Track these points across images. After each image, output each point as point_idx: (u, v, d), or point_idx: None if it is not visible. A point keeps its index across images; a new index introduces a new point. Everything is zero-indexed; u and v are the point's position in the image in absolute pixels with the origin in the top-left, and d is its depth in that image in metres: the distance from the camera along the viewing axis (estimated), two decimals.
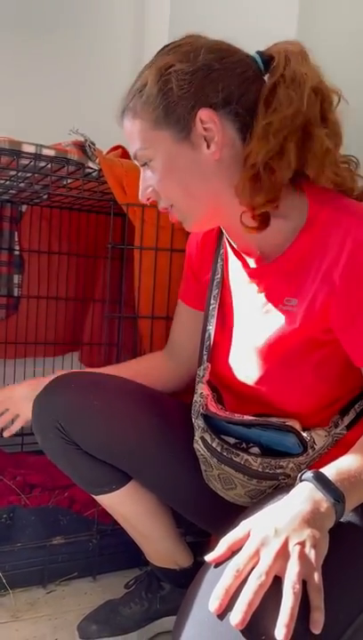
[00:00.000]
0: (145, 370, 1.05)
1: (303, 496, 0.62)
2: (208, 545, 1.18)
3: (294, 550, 0.56)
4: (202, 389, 0.87)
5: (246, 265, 0.85)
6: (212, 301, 0.90)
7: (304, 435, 0.79)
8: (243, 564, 0.57)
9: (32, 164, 1.10)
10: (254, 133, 0.73)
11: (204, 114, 0.74)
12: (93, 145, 1.12)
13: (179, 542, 1.07)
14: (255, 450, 0.81)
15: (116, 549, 1.22)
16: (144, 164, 0.80)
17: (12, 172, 1.17)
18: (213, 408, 0.85)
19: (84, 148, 1.12)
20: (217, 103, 0.74)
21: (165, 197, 0.80)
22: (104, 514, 1.11)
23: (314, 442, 0.79)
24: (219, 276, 0.89)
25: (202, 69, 0.73)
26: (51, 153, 1.09)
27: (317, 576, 0.55)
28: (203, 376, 0.88)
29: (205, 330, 0.90)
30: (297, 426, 0.80)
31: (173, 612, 1.06)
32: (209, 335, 0.89)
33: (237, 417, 0.83)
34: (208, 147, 0.75)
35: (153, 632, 1.06)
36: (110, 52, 1.72)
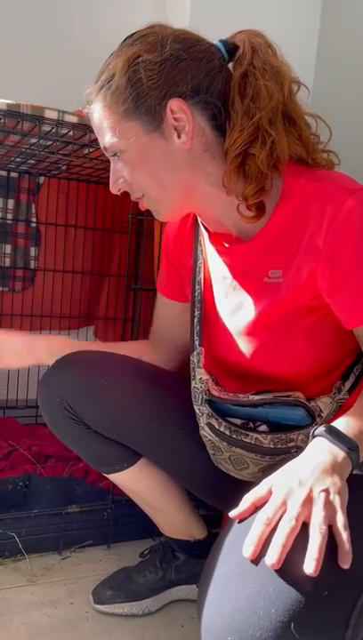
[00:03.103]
0: (138, 354, 1.04)
1: (320, 449, 0.64)
2: (223, 518, 1.18)
3: (319, 497, 0.58)
4: (201, 374, 0.86)
5: (223, 247, 0.85)
6: (196, 286, 0.90)
7: (311, 404, 0.80)
8: (272, 512, 0.59)
9: (54, 130, 1.08)
10: (235, 125, 0.74)
11: (174, 104, 0.74)
12: None
13: (192, 515, 1.07)
14: (264, 427, 0.81)
15: (131, 519, 1.23)
16: (114, 155, 0.80)
17: (33, 140, 1.16)
18: (217, 392, 0.85)
19: None
20: (186, 93, 0.74)
21: (136, 188, 0.81)
22: None
23: (321, 410, 0.80)
24: (200, 261, 0.90)
25: (170, 59, 0.73)
26: (73, 119, 1.07)
27: (342, 518, 0.58)
28: (198, 361, 0.87)
29: (193, 316, 0.90)
30: (302, 397, 0.81)
31: (187, 581, 1.07)
32: (199, 320, 0.89)
33: (243, 398, 0.83)
34: (179, 137, 0.75)
35: (167, 600, 1.07)
36: (134, 18, 1.69)
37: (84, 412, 0.91)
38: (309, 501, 0.58)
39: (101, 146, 0.81)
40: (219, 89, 0.75)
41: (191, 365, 0.88)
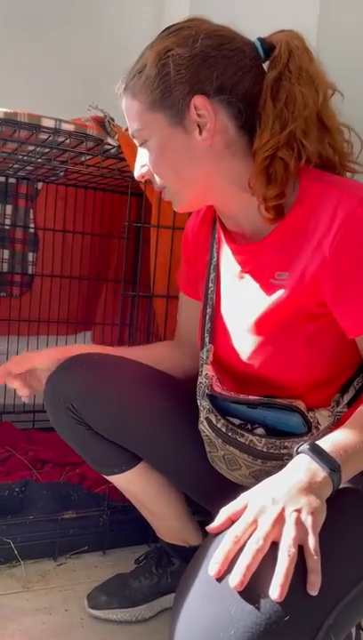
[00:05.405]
0: (157, 357, 1.04)
1: (300, 467, 0.63)
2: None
3: (290, 516, 0.57)
4: (207, 370, 0.87)
5: (236, 244, 0.86)
6: (210, 284, 0.90)
7: (309, 415, 0.79)
8: (241, 530, 0.58)
9: (51, 138, 1.09)
10: (265, 127, 0.74)
11: (198, 101, 0.75)
12: (113, 121, 1.11)
13: (189, 521, 1.07)
14: (260, 430, 0.82)
15: (127, 525, 1.23)
16: (142, 144, 0.82)
17: (31, 147, 1.17)
18: (219, 389, 0.86)
19: (103, 123, 1.11)
20: (211, 90, 0.75)
21: (158, 177, 0.82)
22: (115, 490, 1.13)
23: (318, 422, 0.79)
24: (215, 259, 0.91)
25: (199, 55, 0.74)
26: (70, 128, 1.08)
27: (312, 540, 0.56)
28: (207, 357, 0.88)
29: (204, 313, 0.90)
30: (302, 406, 0.80)
31: None
32: (210, 317, 0.89)
33: (243, 397, 0.83)
34: (200, 133, 0.76)
35: (161, 607, 1.07)
36: (131, 27, 1.70)
37: (86, 413, 0.92)
38: (280, 521, 0.57)
39: (130, 133, 0.83)
40: (246, 88, 0.76)
41: (200, 362, 0.89)
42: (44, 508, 1.22)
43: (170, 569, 1.07)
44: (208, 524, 1.14)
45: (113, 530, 1.23)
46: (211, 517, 1.15)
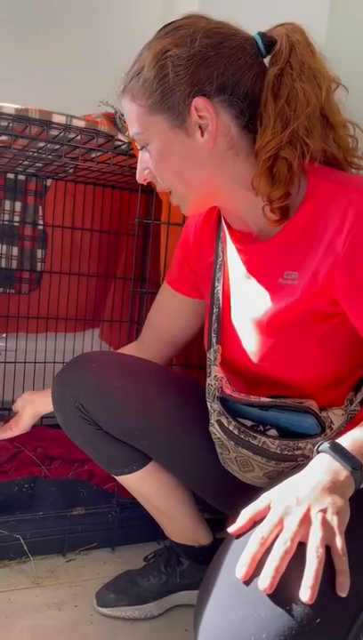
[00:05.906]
0: None
1: (322, 466, 0.62)
2: (227, 522, 1.18)
3: (316, 517, 0.57)
4: (216, 372, 0.86)
5: (243, 244, 0.85)
6: (216, 284, 0.89)
7: (322, 415, 0.79)
8: (267, 531, 0.57)
9: (61, 135, 1.09)
10: (267, 127, 0.73)
11: (198, 102, 0.73)
12: (123, 117, 1.10)
13: (198, 520, 1.07)
14: (273, 432, 0.81)
15: (136, 522, 1.23)
16: (143, 147, 0.80)
17: (41, 144, 1.16)
18: (229, 390, 0.85)
19: (114, 119, 1.11)
20: (212, 91, 0.73)
21: (161, 180, 0.81)
22: (124, 487, 1.12)
23: (332, 422, 0.79)
24: (221, 258, 0.89)
25: (198, 56, 0.73)
26: (81, 124, 1.07)
27: (340, 541, 0.56)
28: (215, 359, 0.87)
29: (211, 313, 0.89)
30: (315, 406, 0.79)
31: (190, 586, 1.07)
32: (217, 317, 0.88)
33: (254, 399, 0.82)
34: (202, 135, 0.75)
35: (170, 604, 1.07)
36: (141, 22, 1.70)
37: (96, 413, 0.91)
38: (306, 521, 0.56)
39: (131, 135, 0.82)
40: (247, 87, 0.74)
41: (207, 362, 0.88)
42: (53, 505, 1.22)
43: (179, 568, 1.07)
44: (216, 522, 1.14)
45: (122, 526, 1.23)
46: (220, 516, 1.16)
